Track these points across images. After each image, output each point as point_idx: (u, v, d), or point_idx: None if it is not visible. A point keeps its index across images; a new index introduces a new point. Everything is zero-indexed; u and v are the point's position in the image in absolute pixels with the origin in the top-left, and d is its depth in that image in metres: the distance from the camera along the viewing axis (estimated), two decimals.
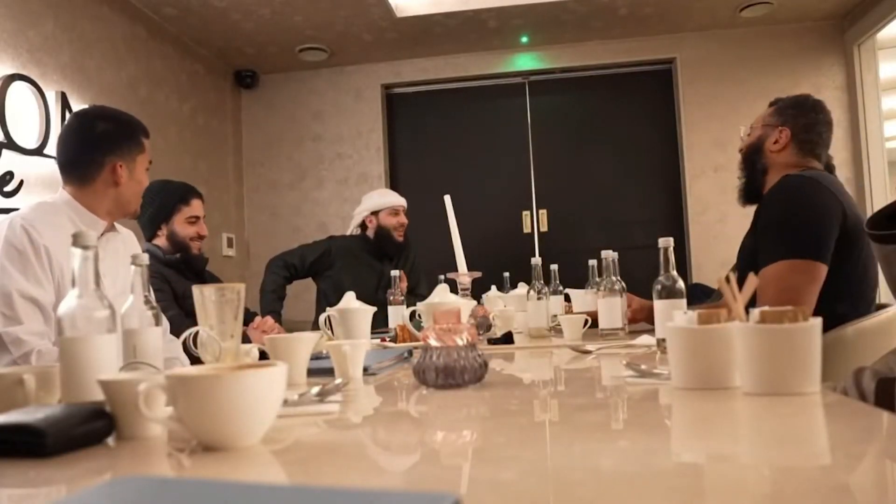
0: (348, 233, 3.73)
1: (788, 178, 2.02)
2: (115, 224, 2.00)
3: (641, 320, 2.30)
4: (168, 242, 2.72)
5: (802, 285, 1.86)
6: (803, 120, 2.14)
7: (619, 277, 2.16)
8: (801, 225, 1.91)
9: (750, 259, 2.02)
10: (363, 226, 3.61)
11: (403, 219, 3.57)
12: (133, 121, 2.00)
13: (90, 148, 1.89)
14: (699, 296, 2.44)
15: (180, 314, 2.47)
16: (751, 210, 2.26)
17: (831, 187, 1.98)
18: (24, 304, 1.68)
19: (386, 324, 2.60)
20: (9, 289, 1.68)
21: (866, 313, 1.95)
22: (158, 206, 2.70)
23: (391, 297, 2.67)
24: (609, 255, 2.19)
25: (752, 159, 2.17)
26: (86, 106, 3.35)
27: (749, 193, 2.21)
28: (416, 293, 3.37)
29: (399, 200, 3.60)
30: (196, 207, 2.76)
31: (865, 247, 1.96)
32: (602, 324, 2.13)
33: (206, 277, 2.81)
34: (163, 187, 2.73)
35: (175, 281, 2.62)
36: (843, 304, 1.92)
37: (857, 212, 1.99)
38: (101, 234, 1.95)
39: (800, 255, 1.88)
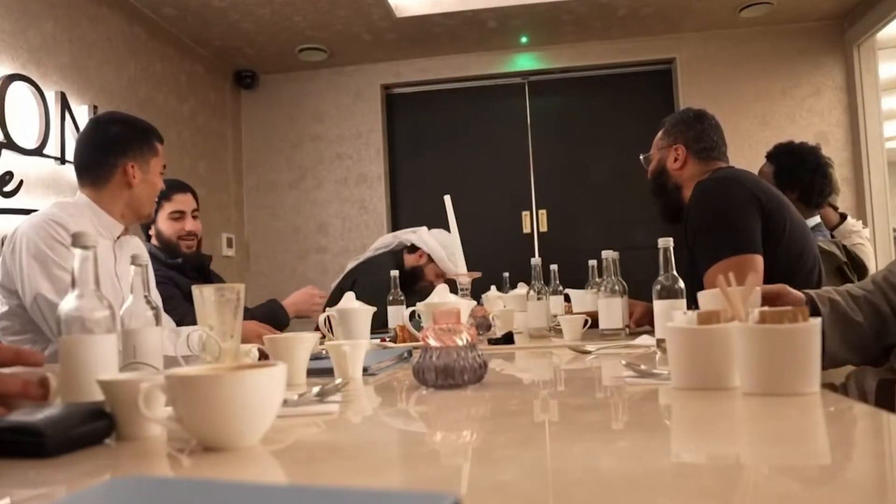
0: (378, 246, 3.46)
1: (700, 185, 2.10)
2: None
3: (646, 324, 2.30)
4: (157, 242, 2.63)
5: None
6: (692, 132, 2.24)
7: (619, 278, 2.16)
8: (726, 224, 1.97)
9: (689, 272, 2.03)
10: (409, 249, 3.34)
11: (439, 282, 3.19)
12: (147, 125, 2.05)
13: (103, 150, 1.95)
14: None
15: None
16: None
17: (740, 180, 2.05)
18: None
19: (385, 326, 2.59)
20: (67, 279, 1.70)
21: (808, 281, 1.99)
22: None
23: (391, 297, 2.67)
24: (609, 255, 2.19)
25: (661, 182, 2.28)
26: (85, 106, 3.36)
27: (669, 213, 2.30)
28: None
29: (452, 269, 3.14)
30: (179, 202, 2.61)
31: (792, 225, 2.01)
32: (602, 324, 2.13)
33: (210, 277, 2.74)
34: None
35: (183, 284, 2.57)
36: (785, 279, 1.95)
37: (771, 193, 2.04)
38: (118, 238, 1.96)
39: (734, 251, 1.93)
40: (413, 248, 3.34)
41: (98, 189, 1.94)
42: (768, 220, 1.97)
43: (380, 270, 3.30)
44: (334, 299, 3.27)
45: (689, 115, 2.30)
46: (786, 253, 1.98)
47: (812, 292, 1.51)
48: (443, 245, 3.27)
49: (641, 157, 2.40)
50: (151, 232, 2.67)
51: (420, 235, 3.36)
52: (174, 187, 2.63)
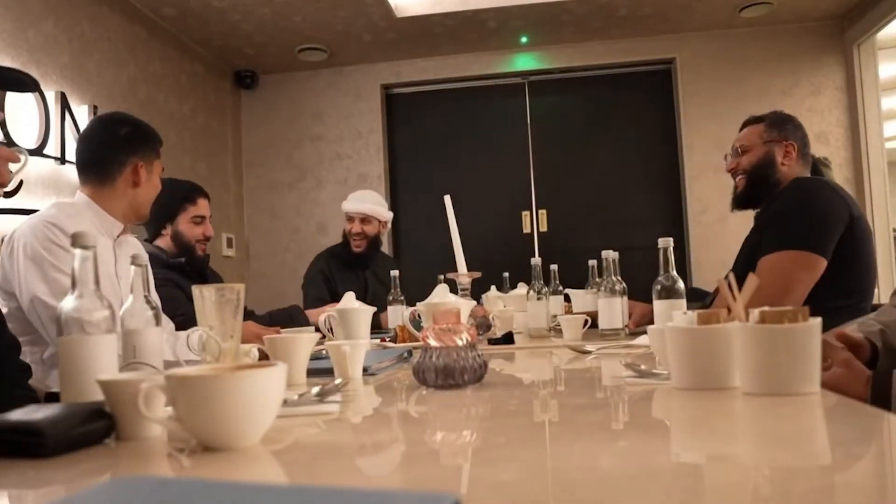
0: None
1: (800, 180, 2.13)
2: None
3: (646, 325, 2.31)
4: (172, 243, 2.63)
5: (797, 274, 1.95)
6: (800, 134, 2.23)
7: (619, 278, 2.16)
8: (807, 220, 2.00)
9: (750, 254, 2.09)
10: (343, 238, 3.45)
11: (357, 226, 3.34)
12: (151, 128, 2.08)
13: (114, 148, 1.96)
14: (694, 298, 2.45)
15: None
16: (750, 212, 2.27)
17: (840, 193, 2.08)
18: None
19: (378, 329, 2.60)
20: (65, 283, 1.70)
21: (866, 310, 1.97)
22: (163, 205, 2.60)
23: (391, 298, 2.67)
24: (609, 255, 2.19)
25: (765, 174, 2.19)
26: (85, 106, 3.36)
27: (748, 202, 2.26)
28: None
29: (351, 206, 3.35)
30: (202, 207, 2.68)
31: (870, 251, 2.05)
32: (602, 324, 2.13)
33: (208, 278, 2.75)
34: (167, 186, 2.71)
35: (185, 285, 2.55)
36: (839, 300, 1.98)
37: (861, 214, 2.08)
38: (117, 237, 1.96)
39: (800, 246, 1.97)
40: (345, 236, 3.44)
41: (102, 187, 1.93)
42: (851, 237, 2.00)
43: (311, 264, 3.47)
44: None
45: (792, 119, 2.26)
46: (854, 270, 2.01)
47: (865, 332, 1.52)
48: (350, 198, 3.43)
49: (734, 146, 2.28)
50: (165, 231, 2.64)
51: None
52: (197, 191, 2.69)
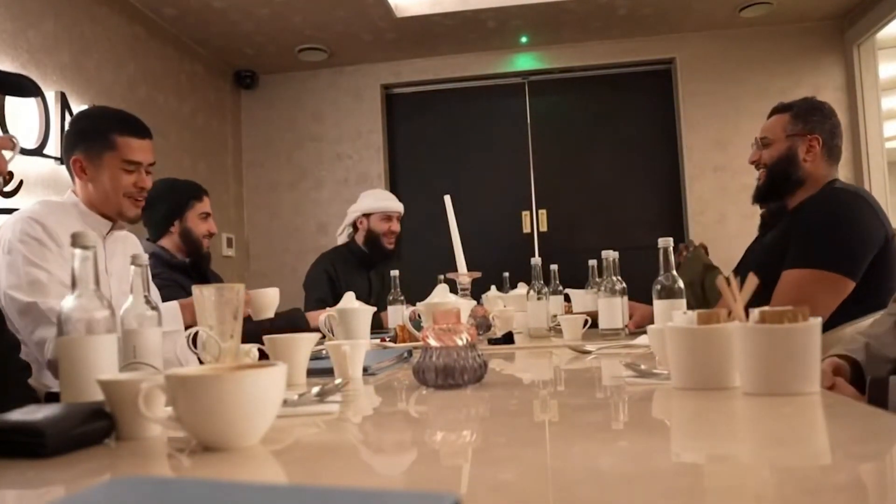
0: (338, 233, 3.60)
1: (838, 190, 1.98)
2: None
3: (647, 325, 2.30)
4: (180, 240, 2.65)
5: (821, 296, 1.84)
6: (827, 125, 2.07)
7: (619, 278, 2.17)
8: (842, 240, 1.88)
9: (769, 253, 1.99)
10: (354, 227, 3.45)
11: (396, 226, 3.36)
12: (109, 117, 1.96)
13: (64, 146, 1.98)
14: None
15: None
16: (755, 210, 2.24)
17: (878, 210, 1.95)
18: (57, 287, 1.69)
19: (380, 329, 2.60)
20: (36, 275, 1.69)
21: (866, 309, 1.95)
22: (172, 203, 2.65)
23: (391, 298, 2.67)
24: (609, 255, 2.19)
25: (786, 170, 2.06)
26: (85, 106, 3.36)
27: (769, 196, 2.14)
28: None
29: (394, 205, 3.39)
30: (207, 204, 2.75)
31: (894, 272, 1.93)
32: (602, 324, 2.13)
33: (209, 278, 2.77)
34: (173, 185, 2.72)
35: (188, 286, 2.55)
36: (858, 319, 1.88)
37: (892, 230, 1.96)
38: (107, 233, 1.96)
39: (830, 267, 1.85)
40: (356, 227, 3.43)
41: (73, 185, 1.95)
42: (882, 257, 1.89)
43: (315, 265, 3.43)
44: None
45: (822, 106, 2.10)
46: (880, 290, 1.90)
47: (848, 351, 1.53)
48: (363, 198, 3.45)
49: (757, 138, 2.16)
50: (173, 229, 2.65)
51: (349, 215, 3.48)
52: (201, 188, 2.76)
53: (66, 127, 2.05)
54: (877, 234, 1.89)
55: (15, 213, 1.88)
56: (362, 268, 3.37)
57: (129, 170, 1.92)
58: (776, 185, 2.10)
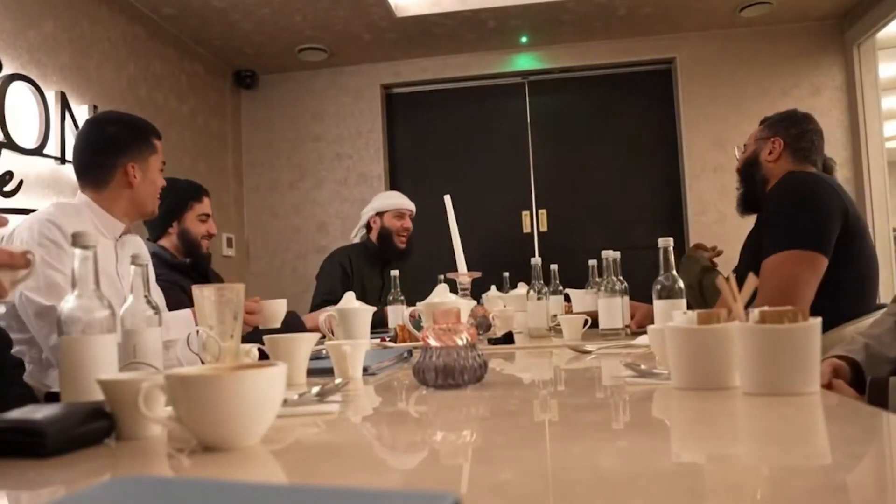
0: (352, 235, 3.65)
1: (792, 174, 2.09)
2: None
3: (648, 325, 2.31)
4: (178, 241, 2.65)
5: (802, 276, 1.92)
6: (795, 130, 2.21)
7: (621, 278, 2.17)
8: (804, 217, 1.97)
9: (752, 254, 2.07)
10: (368, 227, 3.50)
11: (408, 223, 3.44)
12: (142, 122, 2.05)
13: (102, 152, 1.95)
14: None
15: None
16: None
17: (835, 187, 2.04)
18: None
19: (385, 327, 2.59)
20: (54, 279, 1.69)
21: (867, 309, 1.97)
22: (171, 204, 2.63)
23: (391, 297, 2.67)
24: (610, 255, 2.19)
25: (750, 172, 2.24)
26: (85, 106, 3.36)
27: (748, 203, 2.28)
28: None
29: (406, 203, 3.47)
30: (207, 205, 2.74)
31: (867, 247, 2.01)
32: (602, 324, 2.13)
33: (210, 278, 2.77)
34: (173, 185, 2.71)
35: (188, 287, 2.54)
36: (844, 300, 1.96)
37: (857, 211, 2.04)
38: (119, 237, 1.96)
39: (802, 245, 1.93)
40: (369, 227, 3.49)
41: (99, 190, 1.93)
42: (848, 234, 1.96)
43: (330, 257, 3.47)
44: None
45: (796, 114, 2.28)
46: (854, 268, 1.98)
47: (848, 351, 1.54)
48: (377, 198, 3.53)
49: (736, 147, 2.37)
50: (171, 230, 2.66)
51: (363, 216, 3.55)
52: (201, 189, 2.75)
53: (87, 135, 2.01)
54: (835, 206, 1.97)
55: (30, 215, 1.88)
56: (376, 265, 3.42)
57: (162, 170, 2.04)
58: (747, 186, 2.26)
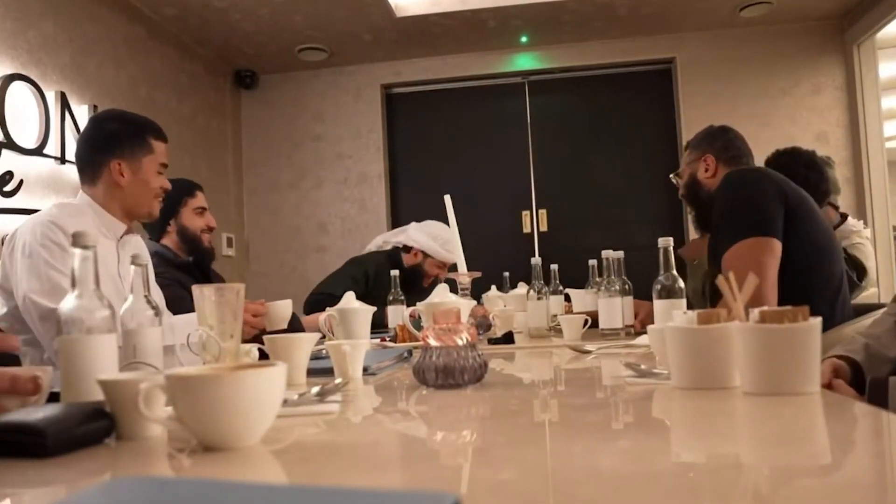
0: (381, 242, 3.50)
1: (728, 175, 2.17)
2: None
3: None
4: (178, 238, 2.64)
5: (761, 259, 1.95)
6: (719, 142, 2.30)
7: (625, 278, 2.17)
8: (749, 207, 2.03)
9: (716, 260, 2.11)
10: (403, 249, 3.35)
11: (445, 273, 3.29)
12: (143, 122, 2.03)
13: (93, 149, 1.95)
14: None
15: None
16: None
17: (768, 174, 2.12)
18: None
19: (385, 327, 2.59)
20: (58, 281, 1.69)
21: (830, 278, 2.03)
22: (165, 203, 2.65)
23: (391, 297, 2.67)
24: (611, 254, 2.19)
25: (695, 193, 2.33)
26: (85, 106, 3.36)
27: (704, 222, 2.35)
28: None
29: (452, 259, 3.23)
30: (201, 199, 2.72)
31: (816, 222, 2.06)
32: (602, 324, 2.13)
33: (212, 277, 2.76)
34: None
35: (190, 286, 2.52)
36: (805, 273, 2.01)
37: (801, 194, 2.09)
38: (121, 237, 1.96)
39: (753, 233, 1.98)
40: (407, 248, 3.36)
41: (93, 188, 1.93)
42: (792, 215, 2.01)
43: (355, 265, 3.35)
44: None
45: (712, 129, 2.37)
46: (805, 246, 2.02)
47: (848, 351, 1.55)
48: (434, 236, 3.31)
49: (671, 176, 2.50)
50: (170, 228, 2.65)
51: (409, 234, 3.39)
52: (193, 184, 2.72)
53: (86, 131, 2.01)
54: (775, 192, 2.02)
55: (33, 216, 1.88)
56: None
57: (161, 172, 2.01)
58: (696, 207, 2.35)
